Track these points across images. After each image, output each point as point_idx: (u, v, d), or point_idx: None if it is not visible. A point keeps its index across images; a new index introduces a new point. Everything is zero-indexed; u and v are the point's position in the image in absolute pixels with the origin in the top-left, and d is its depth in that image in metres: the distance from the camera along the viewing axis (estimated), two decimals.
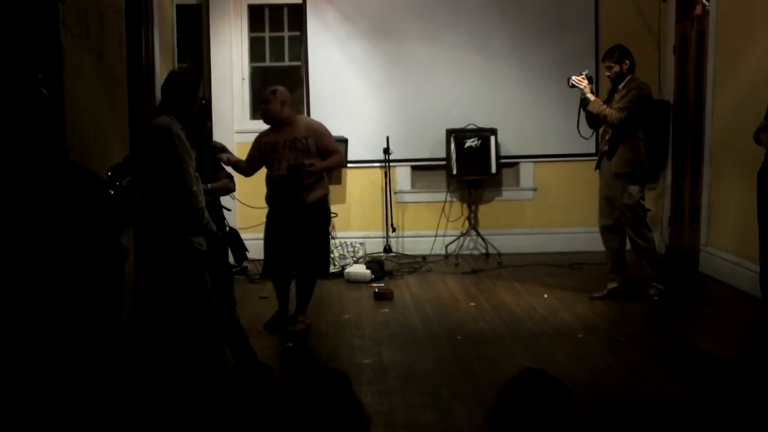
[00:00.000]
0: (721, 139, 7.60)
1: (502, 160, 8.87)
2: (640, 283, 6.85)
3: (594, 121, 6.80)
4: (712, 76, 7.73)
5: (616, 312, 6.63)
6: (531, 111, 8.88)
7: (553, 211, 9.07)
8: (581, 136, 6.90)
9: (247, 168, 6.22)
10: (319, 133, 6.14)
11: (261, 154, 6.16)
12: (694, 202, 8.22)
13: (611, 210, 6.79)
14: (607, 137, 6.71)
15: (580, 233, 8.84)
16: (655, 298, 6.66)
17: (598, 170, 6.91)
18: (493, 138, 8.65)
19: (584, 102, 6.72)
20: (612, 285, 6.93)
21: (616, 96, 6.62)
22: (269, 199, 6.21)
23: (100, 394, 3.19)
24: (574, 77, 6.74)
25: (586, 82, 6.70)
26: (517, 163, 9.07)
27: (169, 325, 4.98)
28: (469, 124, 8.75)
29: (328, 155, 6.14)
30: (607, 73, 6.69)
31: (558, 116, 8.77)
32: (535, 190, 9.11)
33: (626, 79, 6.63)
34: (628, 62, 6.62)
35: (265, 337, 6.04)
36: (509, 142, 8.88)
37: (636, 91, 6.53)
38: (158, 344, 4.67)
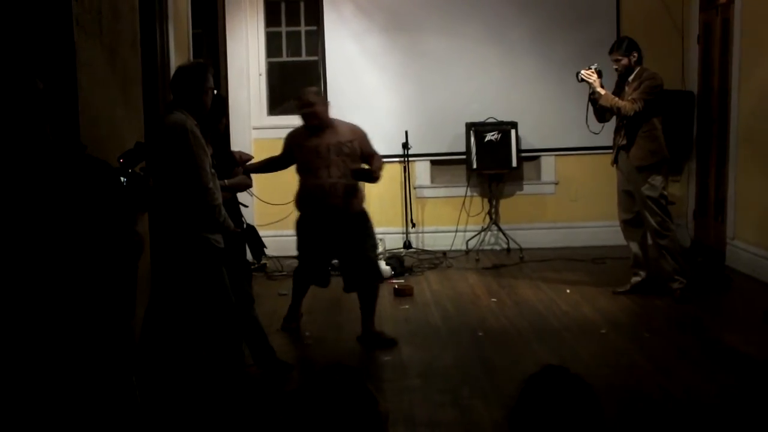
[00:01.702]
0: (746, 130, 7.53)
1: (523, 154, 8.84)
2: (664, 278, 6.79)
3: (603, 114, 6.75)
4: (737, 65, 7.65)
5: (640, 307, 6.59)
6: (552, 103, 8.84)
7: (575, 205, 9.03)
8: (591, 131, 6.84)
9: (268, 166, 6.13)
10: (362, 136, 5.92)
11: (293, 156, 5.98)
12: (720, 194, 8.16)
13: (631, 204, 6.73)
14: (622, 131, 6.64)
15: (602, 227, 8.79)
16: (678, 292, 6.61)
17: (615, 165, 6.82)
18: (513, 131, 8.61)
19: (594, 96, 6.65)
20: (636, 279, 6.89)
21: (627, 88, 6.56)
22: (307, 205, 5.93)
23: (110, 394, 3.18)
24: (583, 71, 6.68)
25: (595, 76, 6.64)
26: (538, 157, 9.03)
27: (186, 323, 4.98)
28: (489, 118, 8.71)
29: (370, 159, 5.91)
30: (615, 66, 6.63)
31: (579, 108, 8.67)
32: (556, 183, 9.06)
33: (636, 71, 6.57)
34: (636, 54, 6.57)
35: (284, 335, 6.04)
36: (530, 135, 8.84)
37: (649, 82, 6.48)
38: (175, 343, 4.67)
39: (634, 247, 6.86)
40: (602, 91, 6.62)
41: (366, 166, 5.84)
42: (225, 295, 4.54)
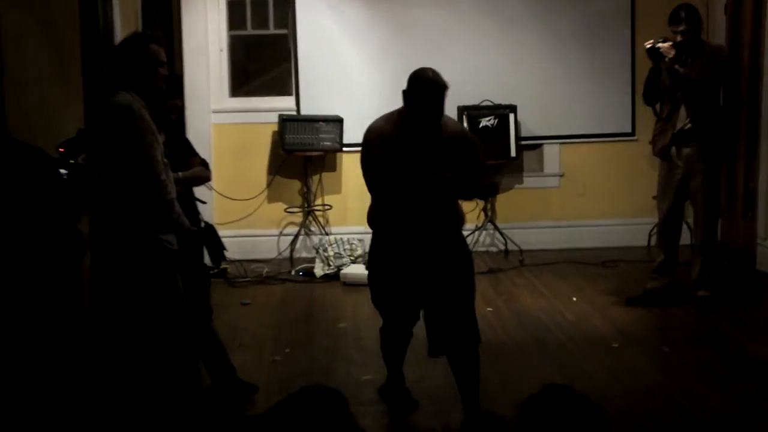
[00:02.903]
0: None
1: (523, 142, 8.84)
2: (689, 286, 6.79)
3: (654, 96, 6.73)
4: None
5: (657, 318, 6.60)
6: (556, 85, 8.84)
7: (583, 201, 9.04)
8: (656, 115, 6.79)
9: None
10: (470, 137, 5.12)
11: (391, 159, 4.92)
12: (750, 187, 8.16)
13: (680, 199, 6.74)
14: (686, 115, 6.59)
15: (614, 225, 8.82)
16: (703, 300, 6.62)
17: (661, 155, 6.76)
18: (512, 116, 8.60)
19: (673, 73, 6.53)
20: (653, 285, 6.88)
21: (694, 64, 6.51)
22: (391, 224, 4.90)
23: (53, 400, 3.14)
24: (660, 44, 6.57)
25: (673, 51, 6.57)
26: (540, 145, 9.03)
27: (132, 339, 4.93)
28: (484, 101, 8.70)
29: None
30: (679, 39, 6.57)
31: (587, 90, 8.72)
32: (561, 176, 9.07)
33: (703, 45, 6.60)
34: (700, 24, 6.59)
35: (247, 351, 6.00)
36: (531, 120, 8.84)
37: (720, 58, 6.57)
38: (119, 363, 4.63)
39: (667, 249, 6.83)
40: (681, 69, 6.56)
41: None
42: (179, 305, 4.50)
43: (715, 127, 6.61)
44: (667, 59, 6.54)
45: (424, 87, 4.82)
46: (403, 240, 4.72)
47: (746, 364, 5.55)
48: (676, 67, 6.50)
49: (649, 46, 6.60)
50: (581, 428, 2.07)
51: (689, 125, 6.59)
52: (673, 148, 6.69)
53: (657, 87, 6.67)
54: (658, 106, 6.82)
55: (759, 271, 7.67)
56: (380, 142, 4.86)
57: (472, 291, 4.71)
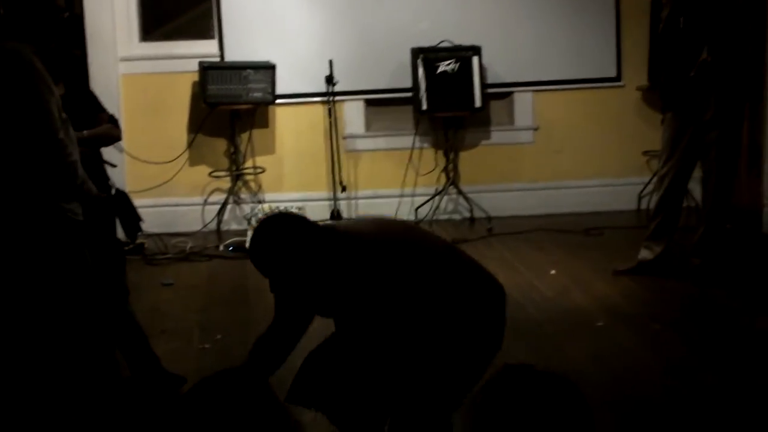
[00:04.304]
0: None
1: (490, 90, 8.91)
2: (683, 252, 6.94)
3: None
4: None
5: (648, 291, 6.71)
6: (527, 22, 8.93)
7: (561, 158, 9.14)
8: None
9: None
10: None
11: None
12: (756, 140, 8.25)
13: (692, 154, 6.87)
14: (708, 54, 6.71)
15: (598, 187, 8.94)
16: (700, 270, 6.79)
17: (669, 106, 6.88)
18: (475, 59, 8.66)
19: None
20: (645, 255, 7.00)
21: None
22: None
23: None
24: None
25: None
26: (510, 93, 9.12)
27: (33, 328, 4.96)
28: (443, 41, 8.74)
29: None
30: None
31: (564, 27, 8.80)
32: (535, 129, 9.17)
33: None
34: None
35: (172, 338, 6.04)
36: (498, 64, 8.92)
37: None
38: (19, 351, 4.66)
39: (666, 213, 6.94)
40: None
41: None
42: (88, 286, 4.53)
43: (740, 71, 6.73)
44: None
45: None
46: None
47: (749, 341, 5.66)
48: None
49: None
50: (556, 411, 2.09)
51: (708, 70, 6.69)
52: (688, 97, 6.79)
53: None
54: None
55: (766, 235, 7.82)
56: None
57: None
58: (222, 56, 8.73)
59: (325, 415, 3.97)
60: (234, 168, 8.80)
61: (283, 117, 8.95)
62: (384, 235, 3.89)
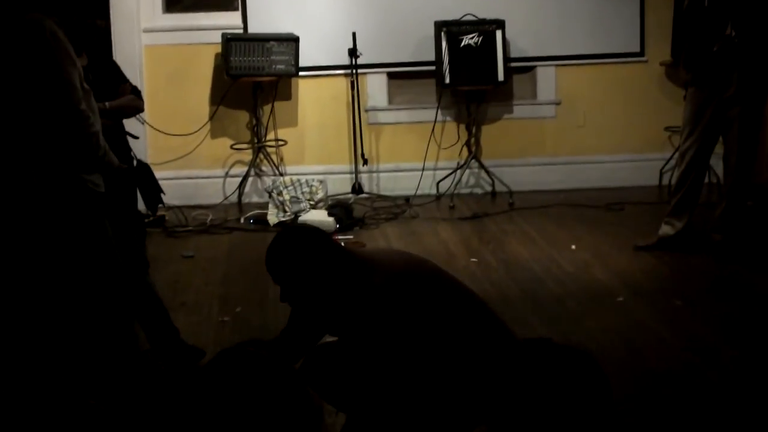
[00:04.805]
0: None
1: (513, 64, 8.90)
2: (704, 229, 6.93)
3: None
4: None
5: (669, 267, 6.71)
6: None
7: (583, 133, 9.12)
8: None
9: None
10: None
11: None
12: None
13: (714, 130, 6.84)
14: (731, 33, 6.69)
15: (620, 162, 8.93)
16: (722, 246, 6.77)
17: (696, 81, 6.85)
18: (499, 33, 8.64)
19: None
20: (666, 230, 6.99)
21: None
22: None
23: None
24: None
25: None
26: (533, 68, 9.10)
27: (51, 301, 4.97)
28: (467, 15, 8.73)
29: None
30: None
31: (588, 3, 8.77)
32: (558, 104, 9.15)
33: None
34: None
35: (191, 311, 6.06)
36: (521, 38, 8.90)
37: None
38: (38, 324, 4.67)
39: (688, 188, 6.91)
40: None
41: None
42: (109, 257, 4.54)
43: (763, 47, 6.67)
44: None
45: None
46: None
47: None
48: None
49: None
50: (571, 382, 2.11)
51: (732, 46, 6.66)
52: (711, 73, 6.74)
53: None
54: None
55: None
56: None
57: None
58: (245, 28, 8.73)
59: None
60: (256, 141, 8.80)
61: (305, 89, 8.94)
62: (409, 269, 3.80)
